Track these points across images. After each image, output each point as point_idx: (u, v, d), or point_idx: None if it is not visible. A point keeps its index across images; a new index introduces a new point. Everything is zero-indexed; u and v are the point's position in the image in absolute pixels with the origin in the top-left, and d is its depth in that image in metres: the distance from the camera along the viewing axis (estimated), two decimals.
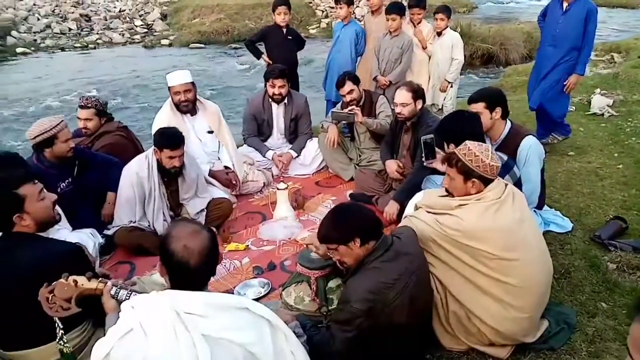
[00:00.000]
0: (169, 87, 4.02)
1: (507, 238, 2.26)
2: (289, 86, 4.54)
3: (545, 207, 3.51)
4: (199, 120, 4.15)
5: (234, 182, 4.10)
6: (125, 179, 3.41)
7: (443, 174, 3.11)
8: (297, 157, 4.62)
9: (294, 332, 2.21)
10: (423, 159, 3.21)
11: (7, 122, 7.71)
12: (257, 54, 5.28)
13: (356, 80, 4.34)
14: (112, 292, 1.99)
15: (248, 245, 3.48)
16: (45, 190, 2.35)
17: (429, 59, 5.06)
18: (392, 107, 3.95)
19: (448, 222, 2.31)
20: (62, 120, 3.27)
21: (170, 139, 3.30)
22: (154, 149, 3.36)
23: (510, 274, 2.26)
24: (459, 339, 2.41)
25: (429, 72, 5.09)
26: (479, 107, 3.10)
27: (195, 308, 1.61)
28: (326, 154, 4.56)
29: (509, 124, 3.18)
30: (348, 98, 4.29)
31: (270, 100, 4.53)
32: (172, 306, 1.61)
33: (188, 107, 4.03)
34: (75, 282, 1.96)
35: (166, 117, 4.01)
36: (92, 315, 2.22)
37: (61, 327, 2.02)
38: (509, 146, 3.10)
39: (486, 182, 2.32)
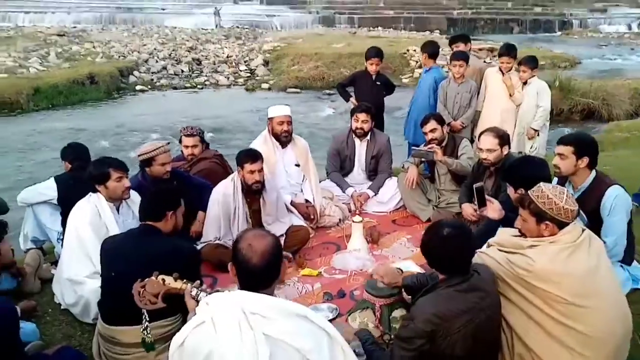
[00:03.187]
0: (270, 119, 4.36)
1: (580, 284, 2.19)
2: (372, 124, 4.74)
3: (635, 263, 3.31)
4: (289, 153, 4.45)
5: (312, 216, 4.30)
6: (213, 198, 3.75)
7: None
8: (374, 196, 4.74)
9: (354, 351, 2.30)
10: (476, 206, 3.20)
11: (121, 147, 8.61)
12: (346, 97, 5.58)
13: (441, 121, 4.45)
14: (193, 293, 2.20)
15: (321, 272, 3.63)
16: None
17: (517, 108, 5.06)
18: (476, 152, 3.99)
19: (518, 261, 2.29)
20: (163, 146, 3.67)
21: (249, 153, 3.71)
22: (238, 169, 3.70)
23: (580, 320, 2.18)
24: None
25: (515, 120, 5.08)
26: (567, 150, 3.04)
27: (261, 309, 1.76)
28: (404, 193, 4.64)
29: (594, 172, 3.09)
30: (429, 136, 4.40)
31: (353, 136, 4.75)
32: (240, 305, 1.77)
33: (287, 139, 4.37)
34: (164, 280, 2.21)
35: (258, 147, 4.33)
36: (182, 312, 2.50)
37: (147, 319, 2.29)
38: (593, 195, 3.01)
39: (561, 225, 2.28)
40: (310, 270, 3.64)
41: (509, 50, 5.03)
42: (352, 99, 5.50)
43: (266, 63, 16.88)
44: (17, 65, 13.35)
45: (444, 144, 4.47)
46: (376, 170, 4.87)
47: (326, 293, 3.37)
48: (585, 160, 3.03)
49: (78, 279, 3.07)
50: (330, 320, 3.04)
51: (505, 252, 2.40)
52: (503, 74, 5.06)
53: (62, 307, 3.23)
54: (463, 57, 4.97)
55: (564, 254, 2.22)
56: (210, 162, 4.37)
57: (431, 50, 5.30)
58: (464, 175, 4.29)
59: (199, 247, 3.73)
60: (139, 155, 3.67)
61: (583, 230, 2.34)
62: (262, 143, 4.37)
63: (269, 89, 14.38)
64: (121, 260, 2.55)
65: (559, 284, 2.19)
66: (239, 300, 1.80)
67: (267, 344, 1.69)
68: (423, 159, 4.52)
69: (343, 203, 4.67)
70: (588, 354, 2.19)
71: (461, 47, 5.26)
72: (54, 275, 3.38)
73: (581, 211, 2.87)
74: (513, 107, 5.07)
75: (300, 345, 1.74)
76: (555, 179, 3.33)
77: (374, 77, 5.40)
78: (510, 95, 5.02)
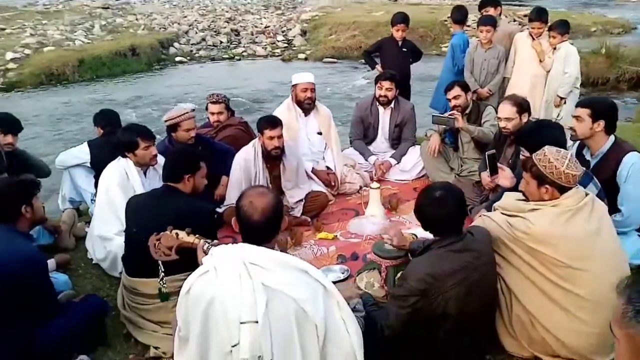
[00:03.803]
0: (294, 85, 4.43)
1: (578, 247, 2.21)
2: (396, 92, 4.73)
3: None
4: (311, 121, 4.53)
5: (333, 183, 4.39)
6: (235, 163, 3.88)
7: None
8: (396, 164, 4.77)
9: (354, 307, 2.41)
10: (488, 173, 3.17)
11: (155, 116, 8.90)
12: (372, 64, 5.57)
13: (465, 88, 4.41)
14: (205, 247, 2.34)
15: (336, 236, 3.74)
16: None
17: (547, 74, 4.93)
18: (496, 121, 3.95)
19: (518, 224, 2.32)
20: (187, 112, 3.80)
21: (268, 119, 3.78)
22: (258, 135, 3.80)
23: (578, 284, 2.21)
24: (522, 344, 2.39)
25: (545, 87, 4.95)
26: (583, 112, 3.02)
27: (261, 261, 1.87)
28: (427, 161, 4.64)
29: (612, 138, 3.03)
30: (453, 103, 4.36)
31: (377, 104, 4.77)
32: (241, 256, 1.89)
33: (311, 106, 4.44)
34: (177, 234, 2.36)
35: (281, 114, 4.42)
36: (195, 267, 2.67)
37: (162, 270, 2.46)
38: (610, 161, 2.97)
39: (562, 189, 2.29)
40: (327, 233, 3.75)
41: (539, 15, 4.87)
42: (378, 66, 5.47)
43: (304, 33, 16.81)
44: (64, 38, 13.85)
45: (467, 111, 4.42)
46: (400, 139, 4.88)
47: (340, 255, 3.48)
48: (601, 124, 2.98)
49: (107, 235, 3.30)
50: (341, 280, 3.18)
51: (507, 215, 2.43)
52: (533, 39, 4.92)
53: (93, 262, 3.49)
54: (490, 22, 4.85)
55: (563, 217, 2.24)
56: (236, 128, 4.50)
57: (456, 16, 5.21)
58: (487, 143, 4.25)
59: (221, 210, 3.91)
60: (165, 121, 3.84)
61: (586, 194, 2.33)
62: (285, 110, 4.46)
63: (306, 59, 14.38)
64: (143, 217, 2.73)
65: (556, 247, 2.21)
66: (240, 252, 1.92)
67: (265, 293, 1.80)
68: (446, 126, 4.49)
69: (365, 171, 4.72)
70: (584, 317, 2.22)
71: (491, 11, 5.12)
72: (87, 233, 3.64)
73: (594, 178, 2.84)
74: (543, 73, 4.94)
75: (296, 295, 1.84)
76: (575, 146, 3.28)
77: (400, 43, 5.35)
78: (540, 61, 4.89)
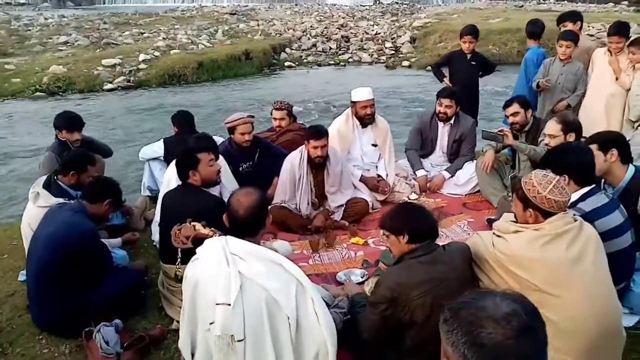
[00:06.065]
0: (353, 102, 4.59)
1: (552, 273, 2.18)
2: (457, 109, 4.72)
3: None
4: (367, 133, 4.70)
5: (385, 189, 4.52)
6: (284, 165, 4.21)
7: None
8: (450, 177, 4.76)
9: (337, 304, 2.60)
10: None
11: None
12: (440, 77, 5.57)
13: (525, 105, 4.30)
14: None
15: (367, 242, 3.90)
16: (215, 161, 3.29)
17: (626, 93, 4.56)
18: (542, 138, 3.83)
19: (499, 244, 2.34)
20: (243, 118, 4.21)
21: (314, 130, 4.01)
22: (305, 142, 4.06)
23: (551, 310, 2.16)
24: None
25: (624, 106, 4.59)
26: (592, 147, 2.90)
27: (240, 252, 2.16)
28: (480, 177, 4.59)
29: (632, 169, 2.85)
30: (511, 120, 4.30)
31: (437, 118, 4.80)
32: (223, 246, 2.20)
33: (370, 120, 4.62)
34: (194, 226, 2.73)
35: (339, 125, 4.67)
36: None
37: (180, 256, 2.85)
38: (633, 193, 2.79)
39: (546, 214, 2.26)
40: (359, 239, 3.92)
41: (619, 30, 4.54)
42: (446, 79, 5.47)
43: (413, 40, 16.82)
44: (189, 42, 15.40)
45: (526, 128, 4.31)
46: (458, 154, 4.87)
47: (365, 261, 3.64)
48: (614, 154, 2.87)
49: None
50: (359, 283, 3.33)
51: (496, 235, 2.45)
52: (611, 54, 4.60)
53: (153, 244, 4.03)
54: (571, 37, 4.67)
55: (540, 241, 2.22)
56: (295, 134, 4.83)
57: (530, 29, 5.03)
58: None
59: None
60: (225, 123, 4.29)
61: (575, 220, 2.28)
62: (344, 122, 4.68)
63: (409, 66, 14.41)
64: (168, 210, 3.16)
65: (530, 270, 2.21)
66: (223, 243, 2.23)
67: (239, 280, 2.09)
68: (496, 142, 4.41)
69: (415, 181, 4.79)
70: (557, 345, 2.17)
71: (569, 26, 4.88)
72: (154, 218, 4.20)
73: (621, 206, 2.71)
74: (621, 92, 4.58)
75: (268, 285, 2.10)
76: None
77: (469, 56, 5.30)
78: (616, 78, 4.55)
